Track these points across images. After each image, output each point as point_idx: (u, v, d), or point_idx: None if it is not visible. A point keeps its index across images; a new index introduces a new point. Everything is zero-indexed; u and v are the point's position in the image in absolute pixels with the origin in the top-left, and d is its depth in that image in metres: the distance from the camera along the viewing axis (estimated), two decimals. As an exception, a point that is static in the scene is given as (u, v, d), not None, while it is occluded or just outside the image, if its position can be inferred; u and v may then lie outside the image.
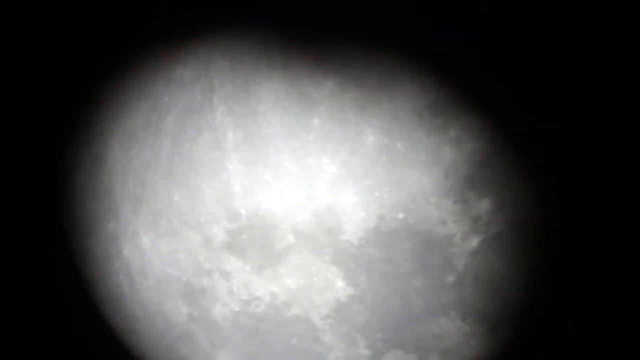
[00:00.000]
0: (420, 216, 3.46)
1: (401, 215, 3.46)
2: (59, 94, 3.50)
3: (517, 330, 3.52)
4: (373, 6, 3.33)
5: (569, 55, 3.26)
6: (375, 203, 3.46)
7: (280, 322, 3.51)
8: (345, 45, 3.43)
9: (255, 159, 3.44)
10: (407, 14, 3.33)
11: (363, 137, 3.45)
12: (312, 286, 3.49)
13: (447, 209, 3.46)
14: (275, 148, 3.44)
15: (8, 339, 3.77)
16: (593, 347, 3.58)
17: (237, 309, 3.55)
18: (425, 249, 3.48)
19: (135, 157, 3.52)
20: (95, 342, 3.66)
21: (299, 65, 3.42)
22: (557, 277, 3.51)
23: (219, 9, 3.39)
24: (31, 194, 3.59)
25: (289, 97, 3.43)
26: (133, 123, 3.53)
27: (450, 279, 3.49)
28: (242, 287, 3.52)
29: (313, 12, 3.38)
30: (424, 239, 3.47)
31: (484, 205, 3.45)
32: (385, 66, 3.40)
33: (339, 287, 3.49)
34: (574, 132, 3.37)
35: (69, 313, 3.78)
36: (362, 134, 3.44)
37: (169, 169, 3.50)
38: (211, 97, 3.46)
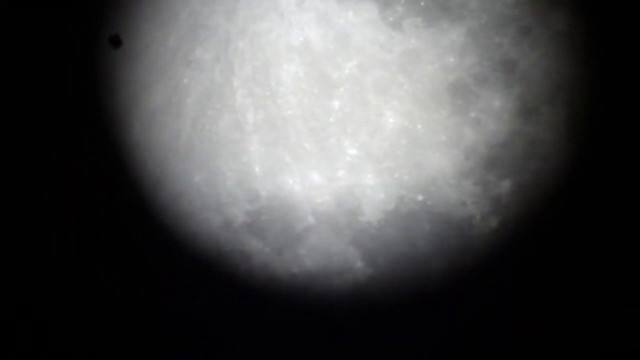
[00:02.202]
0: (440, 198, 3.47)
1: (420, 197, 3.47)
2: (80, 76, 3.51)
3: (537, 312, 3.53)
4: None
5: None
6: (395, 185, 3.47)
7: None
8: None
9: (275, 141, 3.45)
10: None
11: (383, 119, 3.45)
12: (331, 267, 3.51)
13: (466, 191, 3.46)
14: (295, 130, 3.45)
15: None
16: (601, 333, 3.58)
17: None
18: (444, 230, 3.49)
19: (155, 139, 3.54)
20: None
21: (319, 47, 3.42)
22: (574, 258, 3.51)
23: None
24: (48, 181, 3.61)
25: (309, 79, 3.43)
26: (153, 105, 3.54)
27: (470, 260, 3.49)
28: (262, 269, 3.54)
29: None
30: (443, 220, 3.48)
31: (504, 186, 3.45)
32: (407, 46, 3.40)
33: (358, 268, 3.51)
34: (596, 114, 3.37)
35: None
36: (382, 115, 3.45)
37: (189, 151, 3.51)
38: (231, 79, 3.46)
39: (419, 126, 3.45)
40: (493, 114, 3.44)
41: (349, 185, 3.45)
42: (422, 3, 3.39)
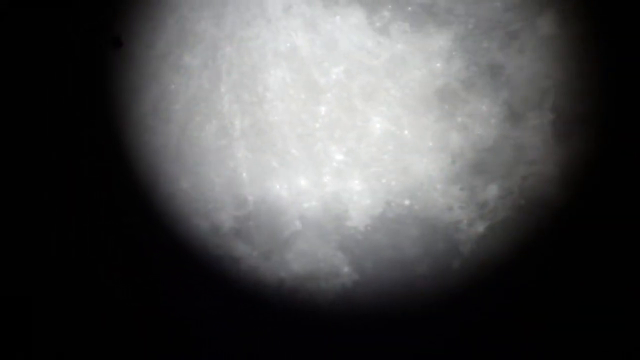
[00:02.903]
0: (427, 203, 3.48)
1: (407, 202, 3.48)
2: (71, 79, 3.53)
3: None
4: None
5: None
6: (382, 190, 3.48)
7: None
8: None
9: (262, 147, 3.47)
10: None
11: (370, 124, 3.46)
12: (318, 272, 3.53)
13: (453, 196, 3.47)
14: (282, 135, 3.46)
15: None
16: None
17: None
18: (431, 235, 3.50)
19: (146, 144, 3.56)
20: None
21: (306, 52, 3.43)
22: (561, 264, 3.52)
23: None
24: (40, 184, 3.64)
25: (296, 85, 3.44)
26: (143, 109, 3.55)
27: (456, 264, 3.50)
28: (250, 273, 3.57)
29: None
30: (430, 225, 3.49)
31: (491, 191, 3.45)
32: (393, 51, 3.40)
33: (345, 273, 3.53)
34: (581, 119, 3.37)
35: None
36: (369, 121, 3.46)
37: (177, 156, 3.54)
38: (218, 85, 3.48)
39: (406, 131, 3.46)
40: (480, 119, 3.44)
41: (336, 191, 3.47)
42: (409, 8, 3.39)
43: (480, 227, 3.48)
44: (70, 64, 3.53)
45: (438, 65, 3.42)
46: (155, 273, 3.59)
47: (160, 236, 3.55)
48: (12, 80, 3.58)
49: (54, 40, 3.54)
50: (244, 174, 3.47)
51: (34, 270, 3.65)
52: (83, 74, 3.53)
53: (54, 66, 3.52)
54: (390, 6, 3.39)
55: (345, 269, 3.51)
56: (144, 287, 3.61)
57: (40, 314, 3.68)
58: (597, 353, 3.40)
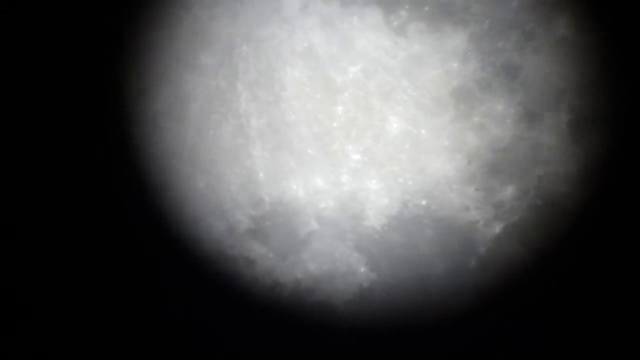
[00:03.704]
0: (443, 203, 3.48)
1: (424, 202, 3.48)
2: (83, 81, 3.49)
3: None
4: None
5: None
6: (399, 189, 3.47)
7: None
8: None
9: (279, 146, 3.45)
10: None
11: (387, 124, 3.45)
12: (335, 272, 3.52)
13: (469, 196, 3.47)
14: (299, 135, 3.44)
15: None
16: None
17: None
18: (447, 235, 3.50)
19: (158, 144, 3.52)
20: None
21: (323, 51, 3.42)
22: (577, 265, 3.53)
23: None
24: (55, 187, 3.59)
25: (313, 84, 3.43)
26: (156, 109, 3.52)
27: (472, 264, 3.51)
28: (267, 274, 3.54)
29: None
30: (446, 225, 3.49)
31: (507, 191, 3.46)
32: (410, 51, 3.40)
33: (362, 272, 3.52)
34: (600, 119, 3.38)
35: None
36: (386, 120, 3.45)
37: (192, 156, 3.50)
38: (235, 84, 3.45)
39: (423, 131, 3.45)
40: (496, 119, 3.45)
41: (353, 190, 3.46)
42: (426, 8, 3.39)
43: (496, 228, 3.49)
44: (83, 64, 3.48)
45: (454, 65, 3.42)
46: (169, 274, 3.55)
47: (175, 237, 3.52)
48: (22, 80, 3.52)
49: (66, 40, 3.49)
50: (260, 174, 3.44)
51: (44, 272, 3.60)
52: (96, 73, 3.48)
53: (67, 66, 3.47)
54: (407, 6, 3.38)
55: (362, 269, 3.50)
56: (157, 288, 3.57)
57: (48, 315, 3.63)
58: (615, 355, 3.42)
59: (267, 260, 3.53)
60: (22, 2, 3.43)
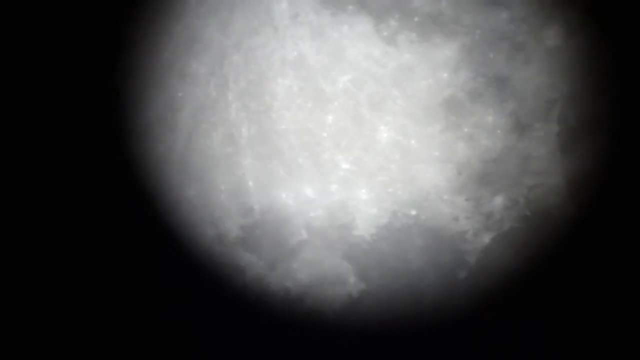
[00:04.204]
0: (433, 213, 3.48)
1: (413, 212, 3.48)
2: (75, 88, 3.51)
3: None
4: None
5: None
6: (388, 199, 3.48)
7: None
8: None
9: (269, 155, 3.46)
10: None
11: (377, 134, 3.46)
12: (324, 281, 3.52)
13: (459, 206, 3.47)
14: (289, 144, 3.45)
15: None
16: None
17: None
18: (437, 245, 3.50)
19: (149, 152, 3.54)
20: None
21: (313, 61, 3.43)
22: (567, 275, 3.53)
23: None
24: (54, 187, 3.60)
25: (303, 93, 3.44)
26: (149, 117, 3.53)
27: (462, 274, 3.50)
28: (256, 282, 3.55)
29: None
30: (436, 235, 3.49)
31: (497, 202, 3.46)
32: (400, 61, 3.41)
33: (352, 282, 3.52)
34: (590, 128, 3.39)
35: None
36: (376, 130, 3.46)
37: (183, 164, 3.52)
38: (226, 93, 3.46)
39: (413, 141, 3.46)
40: (486, 130, 3.45)
41: (342, 200, 3.47)
42: (416, 18, 3.40)
43: (486, 238, 3.49)
44: (77, 72, 3.50)
45: (445, 75, 3.43)
46: (160, 281, 3.56)
47: (165, 244, 3.52)
48: (14, 86, 3.55)
49: (62, 48, 3.52)
50: (250, 182, 3.45)
51: (39, 275, 3.61)
52: (90, 82, 3.50)
53: (62, 73, 3.49)
54: (397, 16, 3.39)
55: (352, 279, 3.50)
56: (148, 294, 3.58)
57: (48, 315, 3.63)
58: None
59: (257, 269, 3.54)
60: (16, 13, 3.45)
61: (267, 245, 3.50)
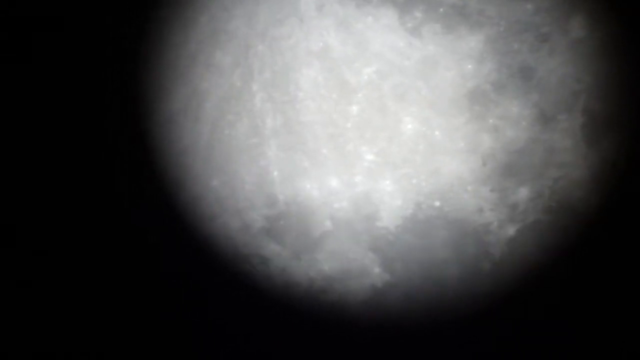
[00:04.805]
0: (457, 204, 3.47)
1: (438, 203, 3.48)
2: (99, 80, 3.52)
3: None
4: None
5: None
6: (412, 191, 3.47)
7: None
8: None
9: (293, 146, 3.46)
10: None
11: (401, 125, 3.45)
12: (349, 272, 3.52)
13: (484, 197, 3.46)
14: (313, 135, 3.45)
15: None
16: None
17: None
18: (461, 237, 3.49)
19: (174, 143, 3.54)
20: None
21: (338, 52, 3.43)
22: (591, 268, 3.51)
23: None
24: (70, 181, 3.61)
25: (328, 84, 3.44)
26: (173, 108, 3.54)
27: (486, 267, 3.50)
28: (280, 272, 3.55)
29: None
30: (460, 227, 3.49)
31: (522, 193, 3.45)
32: (425, 53, 3.40)
33: (376, 273, 3.52)
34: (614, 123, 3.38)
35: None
36: (401, 121, 3.45)
37: (207, 155, 3.52)
38: (250, 83, 3.47)
39: (437, 132, 3.46)
40: (511, 121, 3.44)
41: (367, 191, 3.46)
42: (441, 9, 3.39)
43: (510, 230, 3.48)
44: (100, 63, 3.51)
45: (469, 67, 3.43)
46: (184, 271, 3.57)
47: (190, 234, 3.53)
48: (37, 80, 3.56)
49: (82, 41, 3.53)
50: (275, 173, 3.45)
51: (58, 271, 3.62)
52: (115, 72, 3.51)
53: (85, 65, 3.51)
54: (422, 7, 3.39)
55: (376, 270, 3.50)
56: (171, 286, 3.59)
57: (61, 313, 3.65)
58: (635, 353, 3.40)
59: (281, 259, 3.54)
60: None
61: (292, 235, 3.51)
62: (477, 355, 3.53)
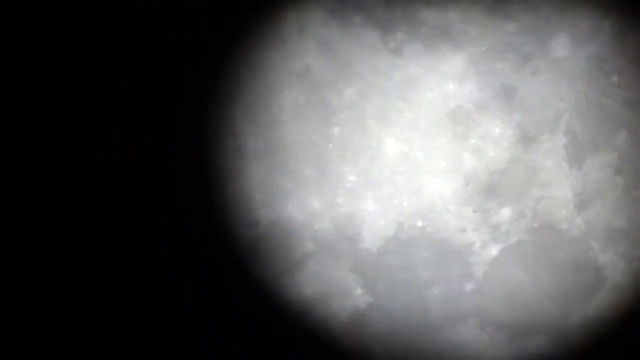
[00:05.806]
0: (439, 224, 3.47)
1: (420, 224, 3.47)
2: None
3: (537, 338, 3.52)
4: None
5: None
6: (394, 211, 3.47)
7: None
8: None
9: (275, 167, 3.46)
10: None
11: (383, 146, 3.45)
12: (330, 294, 3.51)
13: (466, 218, 3.46)
14: (295, 156, 3.45)
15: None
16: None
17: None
18: (444, 257, 3.49)
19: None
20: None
21: (320, 73, 3.43)
22: (578, 284, 3.50)
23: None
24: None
25: (310, 106, 3.44)
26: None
27: (469, 287, 3.49)
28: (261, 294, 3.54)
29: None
30: (443, 247, 3.48)
31: (505, 213, 3.45)
32: (407, 73, 3.40)
33: (358, 294, 3.51)
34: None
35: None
36: (382, 142, 3.45)
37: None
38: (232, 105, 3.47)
39: (419, 152, 3.45)
40: (493, 141, 3.45)
41: (349, 212, 3.46)
42: (423, 29, 3.39)
43: (493, 250, 3.47)
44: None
45: (451, 86, 3.43)
46: (165, 285, 3.56)
47: (170, 253, 3.53)
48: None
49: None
50: (257, 195, 3.45)
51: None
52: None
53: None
54: (404, 27, 3.39)
55: (358, 291, 3.49)
56: (146, 310, 3.58)
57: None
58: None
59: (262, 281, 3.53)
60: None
61: (273, 257, 3.50)
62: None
